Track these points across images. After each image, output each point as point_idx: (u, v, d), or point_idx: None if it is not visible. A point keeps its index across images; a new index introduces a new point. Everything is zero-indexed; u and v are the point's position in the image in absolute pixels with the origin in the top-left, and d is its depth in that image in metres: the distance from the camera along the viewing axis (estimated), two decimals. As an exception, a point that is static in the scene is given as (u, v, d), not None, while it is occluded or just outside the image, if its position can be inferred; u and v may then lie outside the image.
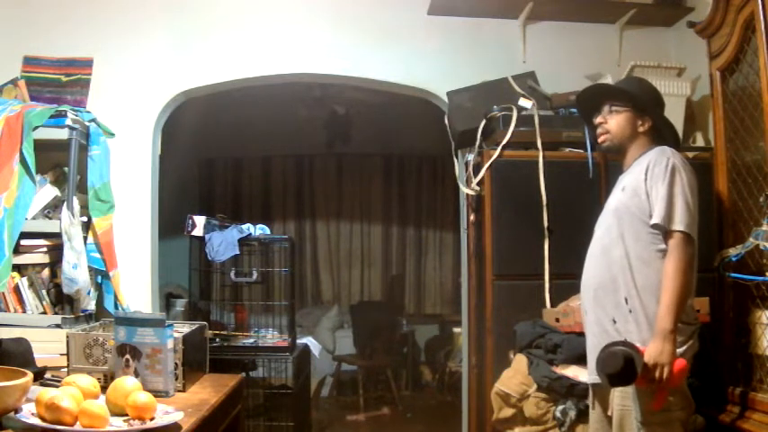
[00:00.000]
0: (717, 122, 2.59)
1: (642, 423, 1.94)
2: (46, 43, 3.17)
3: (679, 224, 1.96)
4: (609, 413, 2.07)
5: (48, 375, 1.90)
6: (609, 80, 2.99)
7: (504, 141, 2.78)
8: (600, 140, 2.22)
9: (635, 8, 3.31)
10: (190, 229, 3.17)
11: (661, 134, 2.18)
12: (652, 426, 1.95)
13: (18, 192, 2.54)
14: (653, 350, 1.90)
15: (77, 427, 1.43)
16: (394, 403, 5.39)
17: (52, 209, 2.79)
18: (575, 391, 2.39)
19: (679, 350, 1.95)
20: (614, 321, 2.05)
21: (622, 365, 1.88)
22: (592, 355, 2.13)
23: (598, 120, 2.21)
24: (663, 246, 2.00)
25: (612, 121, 2.17)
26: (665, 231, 1.99)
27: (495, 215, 2.78)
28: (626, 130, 2.15)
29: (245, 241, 3.18)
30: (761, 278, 2.27)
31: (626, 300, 2.03)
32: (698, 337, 2.05)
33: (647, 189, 2.03)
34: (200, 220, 3.18)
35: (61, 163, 2.86)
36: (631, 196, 2.06)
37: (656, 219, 1.98)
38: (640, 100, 2.15)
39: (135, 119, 3.21)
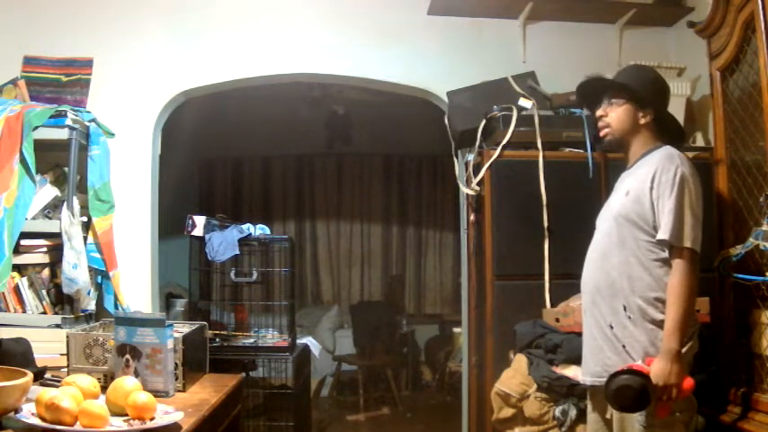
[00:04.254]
0: (717, 122, 2.59)
1: (644, 426, 1.93)
2: (46, 43, 3.17)
3: (687, 240, 1.92)
4: (608, 416, 2.06)
5: (48, 375, 1.90)
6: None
7: (504, 141, 2.77)
8: (601, 134, 2.18)
9: (635, 8, 3.30)
10: (190, 229, 3.17)
11: (665, 127, 2.13)
12: (654, 428, 1.94)
13: (18, 192, 2.54)
14: (661, 371, 1.87)
15: (77, 427, 1.43)
16: (394, 403, 5.39)
17: (52, 209, 2.79)
18: (575, 391, 2.38)
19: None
20: (611, 327, 2.03)
21: (637, 398, 1.86)
22: (588, 356, 2.13)
23: (599, 113, 2.17)
24: (663, 254, 1.97)
25: (612, 114, 2.12)
26: (670, 246, 1.95)
27: (495, 215, 2.78)
28: (626, 123, 2.11)
29: (245, 241, 3.18)
30: (761, 278, 2.27)
31: (624, 307, 2.01)
32: (697, 337, 2.04)
33: (652, 198, 1.98)
34: (200, 220, 3.18)
35: (61, 163, 2.86)
36: (634, 203, 2.01)
37: (663, 235, 1.94)
38: (639, 92, 2.10)
39: (135, 119, 3.21)
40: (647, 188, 1.99)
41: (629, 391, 1.87)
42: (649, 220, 1.99)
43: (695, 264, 1.94)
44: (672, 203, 1.94)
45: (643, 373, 1.88)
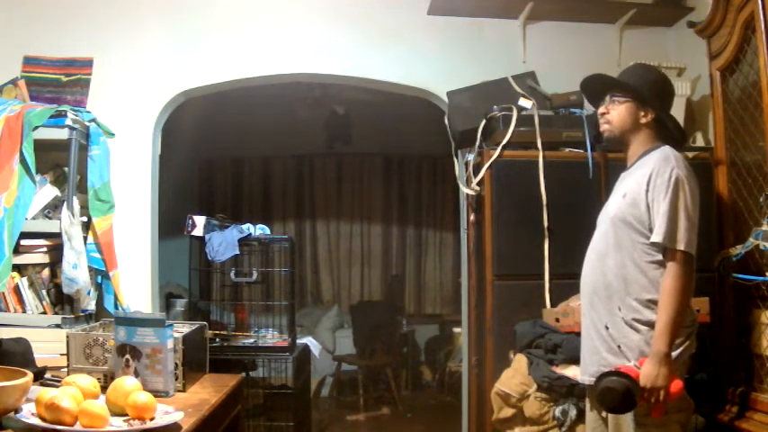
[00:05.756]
0: (717, 122, 2.59)
1: (638, 424, 1.94)
2: (46, 43, 3.17)
3: (681, 243, 1.92)
4: (604, 414, 2.07)
5: (48, 375, 1.90)
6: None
7: (504, 141, 2.78)
8: (601, 130, 2.19)
9: (635, 8, 3.31)
10: (190, 229, 3.17)
11: (665, 127, 2.13)
12: (648, 428, 1.94)
13: (18, 192, 2.54)
14: (648, 373, 1.88)
15: (77, 427, 1.43)
16: (394, 403, 5.39)
17: (52, 209, 2.79)
18: (575, 391, 2.39)
19: (674, 352, 1.93)
20: (607, 327, 2.03)
21: (620, 399, 1.87)
22: (586, 356, 2.13)
23: (600, 110, 2.17)
24: (659, 257, 1.97)
25: (614, 112, 2.12)
26: (664, 249, 1.96)
27: (495, 215, 2.79)
28: (627, 121, 2.10)
29: (245, 241, 3.18)
30: (761, 278, 2.27)
31: (619, 308, 2.01)
32: (695, 337, 2.04)
33: (647, 201, 1.98)
34: (200, 220, 3.18)
35: (61, 163, 2.86)
36: (630, 205, 2.02)
37: (657, 237, 1.94)
38: (641, 92, 2.10)
39: (135, 119, 3.21)
40: (644, 190, 2.00)
41: (613, 393, 1.88)
42: (645, 222, 1.99)
43: (689, 266, 1.93)
44: (666, 206, 1.94)
45: (630, 375, 1.89)
